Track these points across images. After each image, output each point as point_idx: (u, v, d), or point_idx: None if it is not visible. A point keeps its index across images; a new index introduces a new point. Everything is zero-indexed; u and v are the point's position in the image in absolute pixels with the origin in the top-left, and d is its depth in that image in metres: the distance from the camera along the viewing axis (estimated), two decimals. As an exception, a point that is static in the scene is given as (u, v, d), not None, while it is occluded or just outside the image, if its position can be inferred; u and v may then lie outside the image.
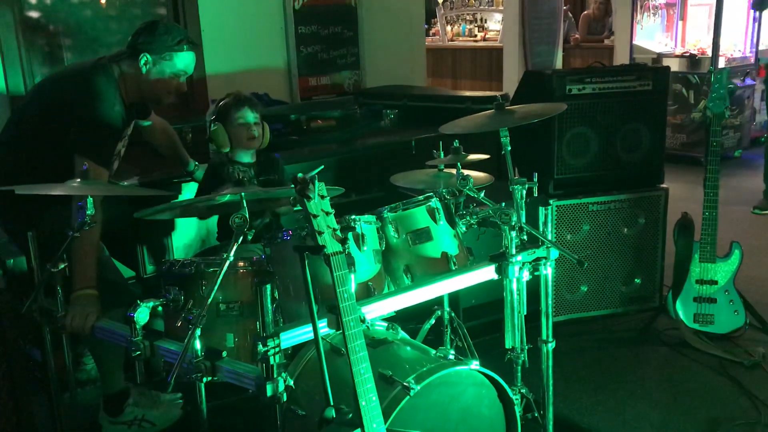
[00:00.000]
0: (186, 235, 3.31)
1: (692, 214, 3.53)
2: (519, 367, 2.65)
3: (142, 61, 2.54)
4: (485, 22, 10.41)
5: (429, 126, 4.17)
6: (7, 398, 2.32)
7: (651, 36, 7.72)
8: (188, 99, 4.31)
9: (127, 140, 2.75)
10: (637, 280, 3.71)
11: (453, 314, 2.82)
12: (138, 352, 2.02)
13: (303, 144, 3.83)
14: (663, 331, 3.55)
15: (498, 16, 9.88)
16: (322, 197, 1.71)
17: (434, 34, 10.43)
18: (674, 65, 7.14)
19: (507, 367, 2.64)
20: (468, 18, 10.57)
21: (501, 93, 4.32)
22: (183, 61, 2.60)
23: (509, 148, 2.48)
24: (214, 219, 3.02)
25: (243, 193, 1.99)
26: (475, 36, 10.23)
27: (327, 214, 1.71)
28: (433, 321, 2.85)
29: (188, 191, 3.24)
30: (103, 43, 4.07)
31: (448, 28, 10.49)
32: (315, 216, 1.68)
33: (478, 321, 3.33)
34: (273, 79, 4.71)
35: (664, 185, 3.68)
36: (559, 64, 7.33)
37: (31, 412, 2.39)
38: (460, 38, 10.33)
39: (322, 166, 1.69)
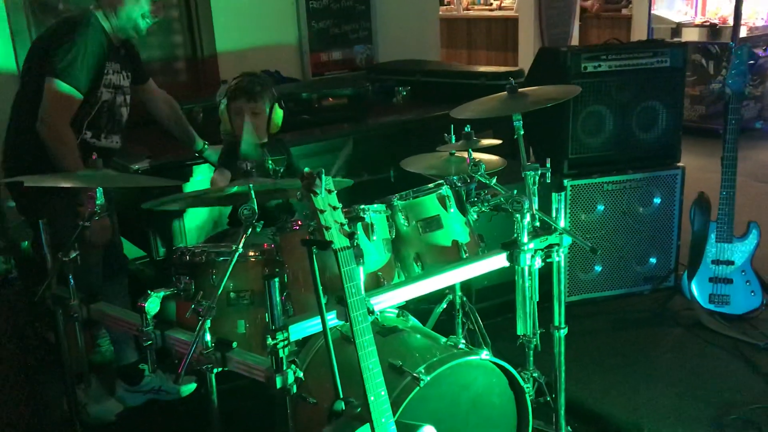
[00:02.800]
0: (198, 216, 3.31)
1: (709, 187, 3.48)
2: (531, 352, 2.65)
3: None
4: (501, -10, 10.22)
5: (442, 103, 4.13)
6: (22, 383, 2.35)
7: (671, 5, 7.54)
8: (199, 78, 4.28)
9: (121, 91, 2.76)
10: (652, 260, 3.68)
11: (465, 299, 2.80)
12: (149, 342, 2.03)
13: (314, 123, 3.80)
14: (678, 311, 3.53)
15: (514, -16, 9.70)
16: (329, 192, 1.69)
17: (449, 2, 10.27)
18: (694, 35, 6.99)
19: (519, 350, 2.64)
20: (483, -15, 10.39)
21: (515, 69, 4.24)
22: None
23: (522, 132, 2.43)
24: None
25: (251, 185, 1.97)
26: (491, 4, 10.05)
27: (334, 208, 1.69)
28: (444, 305, 2.83)
29: (200, 173, 3.23)
30: (113, 21, 4.03)
31: (463, -4, 10.32)
32: (322, 211, 1.66)
33: (490, 302, 3.32)
34: (284, 55, 4.66)
35: (680, 164, 3.62)
36: (575, 35, 7.19)
37: (45, 397, 2.42)
38: (476, 7, 10.16)
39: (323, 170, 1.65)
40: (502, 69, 4.32)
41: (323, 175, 1.69)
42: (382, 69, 4.78)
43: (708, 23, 7.07)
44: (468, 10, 10.07)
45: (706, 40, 6.89)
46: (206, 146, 3.19)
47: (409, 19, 5.24)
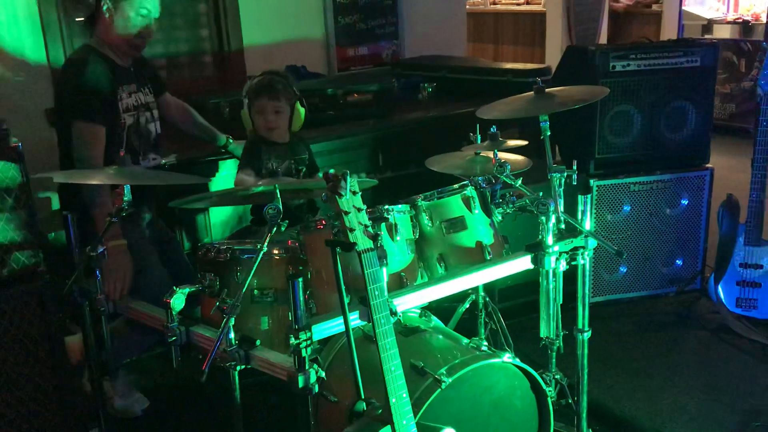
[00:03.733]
0: (223, 211, 3.34)
1: (738, 188, 3.43)
2: (554, 354, 2.64)
3: (105, 8, 2.63)
4: (529, -16, 10.12)
5: (467, 100, 4.11)
6: (50, 377, 2.39)
7: (702, 1, 7.42)
8: (225, 72, 4.30)
9: (144, 108, 2.79)
10: (678, 262, 3.64)
11: (487, 299, 2.79)
12: (174, 338, 2.05)
13: (339, 119, 3.80)
14: (703, 314, 3.49)
15: (542, -22, 9.61)
16: (354, 193, 1.69)
17: (476, -3, 10.20)
18: (726, 32, 6.88)
19: (541, 351, 2.64)
20: (511, -22, 10.29)
21: (542, 66, 4.20)
22: (138, 3, 2.65)
23: (549, 133, 2.42)
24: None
25: (277, 186, 1.98)
26: (518, -2, 9.97)
27: (359, 210, 1.69)
28: (467, 305, 2.83)
29: (225, 169, 3.25)
30: (142, 16, 4.06)
31: (491, -10, 10.24)
32: (346, 213, 1.67)
33: (513, 301, 3.31)
34: (310, 50, 4.66)
35: (709, 165, 3.57)
36: (604, 31, 7.10)
37: (72, 390, 2.46)
38: (503, 1, 10.07)
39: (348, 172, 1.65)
40: (529, 66, 4.28)
41: (348, 177, 1.69)
42: (407, 64, 4.77)
43: (740, 20, 6.95)
44: (495, 4, 9.99)
45: (738, 37, 6.77)
46: (230, 140, 3.21)
47: (436, 15, 5.21)
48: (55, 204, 3.33)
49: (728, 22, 7.02)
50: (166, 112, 3.05)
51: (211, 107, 3.62)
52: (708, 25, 7.04)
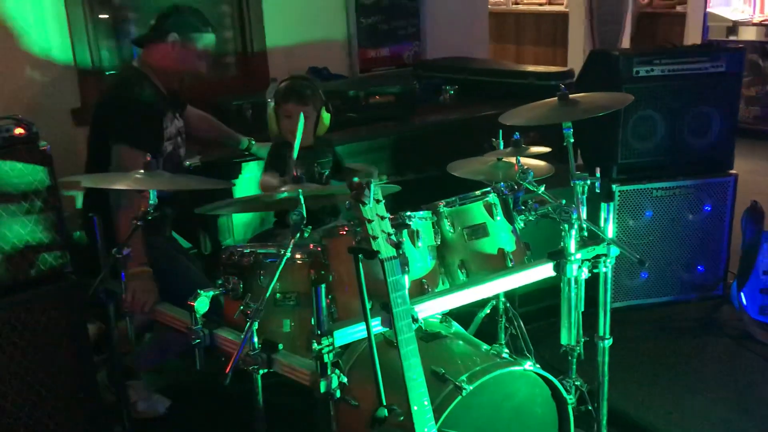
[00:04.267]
0: (245, 213, 3.36)
1: (761, 192, 3.40)
2: (574, 360, 2.63)
3: (171, 40, 2.68)
4: (551, -17, 10.07)
5: (490, 102, 4.11)
6: (74, 377, 2.43)
7: (727, 2, 7.33)
8: (248, 73, 4.33)
9: (178, 134, 2.85)
10: (700, 268, 3.61)
11: (508, 304, 2.79)
12: (198, 340, 2.08)
13: (360, 121, 3.81)
14: (726, 321, 3.46)
15: (565, -22, 9.55)
16: (378, 201, 1.70)
17: (498, -4, 10.17)
18: (751, 34, 6.80)
19: (562, 356, 2.63)
20: (533, -20, 10.25)
21: (565, 69, 4.18)
22: (207, 40, 2.75)
23: (572, 140, 2.41)
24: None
25: (301, 192, 1.99)
26: (541, -3, 9.93)
27: (382, 218, 1.70)
28: (487, 310, 2.83)
29: (249, 171, 3.27)
30: (167, 16, 4.10)
31: (513, -11, 10.20)
32: (370, 221, 1.68)
33: (534, 306, 3.30)
34: (333, 51, 4.67)
35: (733, 171, 3.54)
36: (627, 32, 7.04)
37: (97, 390, 2.50)
38: (525, 1, 10.03)
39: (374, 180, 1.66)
40: (552, 69, 4.27)
41: (372, 185, 1.70)
42: (429, 66, 4.77)
43: (767, 22, 6.86)
44: (517, 4, 9.95)
45: (764, 39, 6.69)
46: (252, 143, 3.23)
47: (459, 16, 5.20)
48: (80, 203, 3.37)
49: (754, 24, 6.94)
50: (191, 126, 3.09)
51: (233, 109, 3.64)
52: (733, 27, 6.96)
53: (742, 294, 3.36)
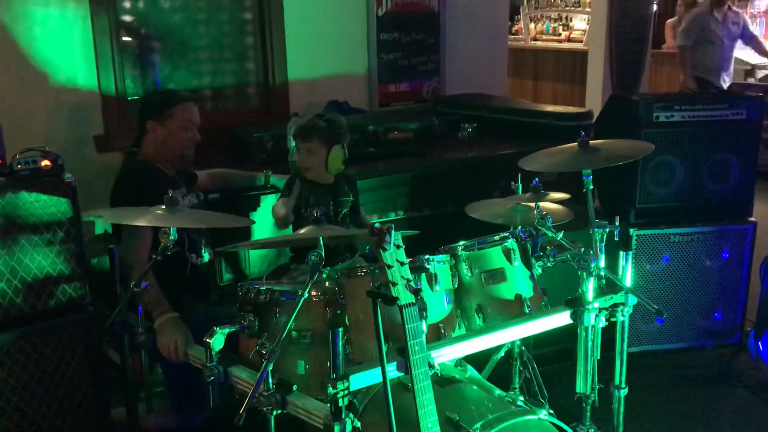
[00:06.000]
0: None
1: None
2: (588, 407, 2.60)
3: (150, 127, 2.77)
4: (570, 20, 10.15)
5: (508, 141, 4.13)
6: (90, 405, 2.43)
7: (746, 46, 7.34)
8: (269, 105, 4.37)
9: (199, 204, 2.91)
10: (717, 315, 3.58)
11: (523, 348, 2.77)
12: (212, 378, 2.08)
13: (379, 156, 3.83)
14: (743, 371, 3.42)
15: (583, 16, 9.62)
16: (398, 247, 1.71)
17: (517, 32, 10.25)
18: (770, 77, 6.81)
19: (576, 401, 2.60)
20: (553, 16, 10.34)
21: (584, 110, 4.19)
22: (183, 112, 2.79)
23: (591, 187, 2.41)
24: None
25: (320, 237, 2.00)
26: (559, 34, 9.99)
27: (402, 264, 1.71)
28: (502, 353, 2.81)
29: (267, 204, 3.29)
30: (191, 47, 4.16)
31: (532, 25, 10.29)
32: (390, 267, 1.69)
33: (549, 348, 3.27)
34: (353, 85, 4.72)
35: (752, 219, 3.52)
36: (647, 73, 7.06)
37: (111, 423, 2.50)
38: (544, 36, 10.11)
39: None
40: (571, 110, 4.28)
41: (393, 231, 1.71)
42: (448, 102, 4.81)
43: (785, 66, 6.88)
44: (536, 40, 10.03)
45: (783, 83, 6.71)
46: (270, 175, 3.26)
47: (478, 53, 5.25)
48: (99, 228, 3.40)
49: (773, 68, 6.96)
50: (205, 188, 3.14)
51: (253, 141, 3.68)
52: (751, 70, 6.97)
53: (759, 343, 3.32)
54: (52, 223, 2.26)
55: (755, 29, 7.36)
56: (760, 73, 6.95)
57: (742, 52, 7.25)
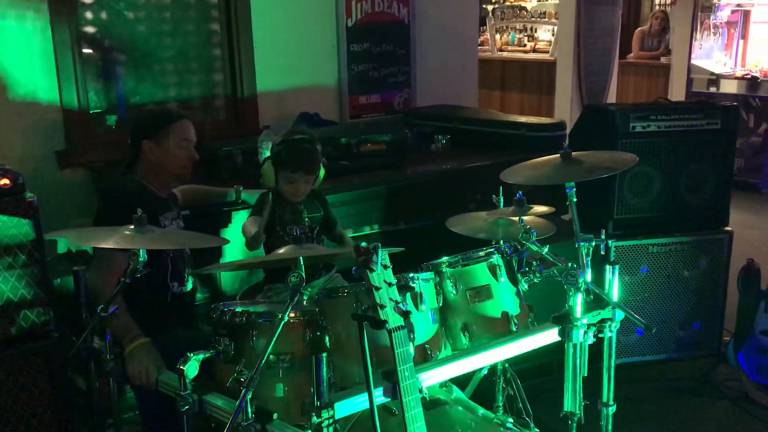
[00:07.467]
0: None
1: (749, 244, 3.37)
2: (574, 425, 2.55)
3: (146, 147, 2.65)
4: (535, 31, 10.23)
5: (481, 152, 4.08)
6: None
7: (709, 55, 7.46)
8: (238, 117, 4.27)
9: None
10: (696, 325, 3.56)
11: (507, 365, 2.71)
12: (186, 407, 1.96)
13: (352, 170, 3.75)
14: (722, 381, 3.41)
15: (548, 27, 9.70)
16: (386, 267, 1.63)
17: (483, 43, 10.28)
18: (733, 87, 6.91)
19: (560, 417, 2.54)
20: (518, 27, 10.41)
21: (557, 120, 4.17)
22: (179, 130, 2.68)
23: (575, 200, 2.36)
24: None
25: (300, 257, 1.91)
26: (525, 45, 10.06)
27: (389, 285, 1.63)
28: (485, 371, 2.74)
29: (238, 221, 3.18)
30: (157, 58, 4.04)
31: (498, 36, 10.33)
32: (377, 288, 1.60)
33: (530, 363, 3.20)
34: (323, 96, 4.63)
35: (728, 228, 3.52)
36: (614, 83, 7.12)
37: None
38: (509, 47, 10.16)
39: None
40: (544, 120, 4.25)
41: (380, 250, 1.63)
42: (419, 114, 4.74)
43: (749, 75, 6.98)
44: (502, 51, 10.07)
45: (745, 93, 6.80)
46: (240, 191, 3.14)
47: (448, 65, 5.21)
48: (62, 247, 3.26)
49: (736, 78, 7.05)
50: (182, 204, 3.02)
51: (223, 155, 3.57)
52: (716, 80, 7.07)
53: (739, 354, 3.31)
54: (13, 246, 2.13)
55: (717, 40, 7.48)
56: (724, 83, 7.03)
57: (703, 61, 7.37)
